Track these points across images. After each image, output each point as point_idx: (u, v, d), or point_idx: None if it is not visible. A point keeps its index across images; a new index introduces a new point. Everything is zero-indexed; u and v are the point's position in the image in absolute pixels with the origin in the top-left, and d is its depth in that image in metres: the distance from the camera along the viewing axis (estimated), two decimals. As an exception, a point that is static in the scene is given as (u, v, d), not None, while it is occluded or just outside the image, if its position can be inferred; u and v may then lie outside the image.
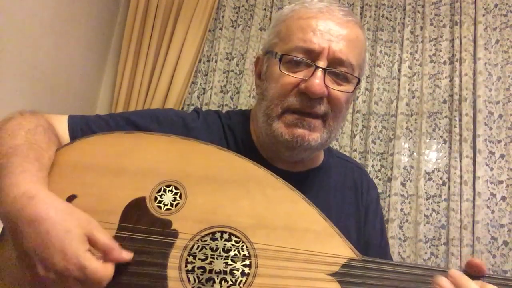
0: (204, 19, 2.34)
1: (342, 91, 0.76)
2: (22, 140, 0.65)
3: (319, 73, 0.73)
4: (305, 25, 0.76)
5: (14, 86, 1.68)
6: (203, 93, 2.38)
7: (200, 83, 2.40)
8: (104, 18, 2.34)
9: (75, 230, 0.56)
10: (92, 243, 0.57)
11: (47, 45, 1.86)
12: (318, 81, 0.72)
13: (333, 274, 0.62)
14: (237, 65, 2.39)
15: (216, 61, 2.38)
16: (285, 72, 0.75)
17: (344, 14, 0.78)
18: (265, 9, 2.45)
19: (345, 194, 0.89)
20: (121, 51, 2.34)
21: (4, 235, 0.64)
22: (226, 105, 2.32)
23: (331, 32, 0.75)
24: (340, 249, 0.64)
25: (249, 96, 2.31)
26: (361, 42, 0.80)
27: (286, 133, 0.75)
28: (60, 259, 0.53)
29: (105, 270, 0.56)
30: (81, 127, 0.77)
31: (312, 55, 0.75)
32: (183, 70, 2.29)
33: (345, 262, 0.63)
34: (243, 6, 2.46)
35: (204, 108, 2.27)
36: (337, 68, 0.75)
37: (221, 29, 2.43)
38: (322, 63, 0.74)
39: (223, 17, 2.44)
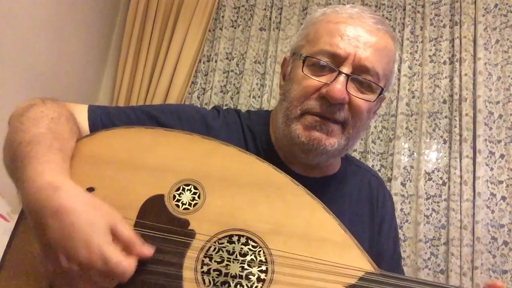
0: (204, 19, 2.34)
1: (364, 100, 0.74)
2: (45, 128, 0.64)
3: (342, 78, 0.72)
4: (334, 29, 0.75)
5: (14, 86, 1.68)
6: (203, 93, 2.38)
7: (200, 83, 2.40)
8: (104, 18, 2.34)
9: (99, 222, 0.55)
10: (115, 236, 0.57)
11: (47, 45, 1.86)
12: (339, 87, 0.71)
13: (349, 286, 0.61)
14: (237, 65, 2.39)
15: (216, 61, 2.38)
16: (308, 74, 0.74)
17: (375, 22, 0.77)
18: (265, 9, 2.44)
19: (360, 203, 0.87)
20: (121, 51, 2.34)
21: (19, 227, 0.64)
22: (226, 105, 2.32)
23: (359, 39, 0.74)
24: (358, 262, 0.63)
25: (249, 96, 2.31)
26: (390, 52, 0.78)
27: (303, 135, 0.74)
28: (84, 251, 0.53)
29: (128, 264, 0.55)
30: (101, 119, 0.77)
31: (337, 60, 0.73)
32: (183, 70, 2.28)
33: (363, 275, 0.62)
34: (243, 6, 2.46)
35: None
36: (361, 76, 0.74)
37: (221, 29, 2.42)
38: (346, 69, 0.72)
39: (223, 17, 2.44)
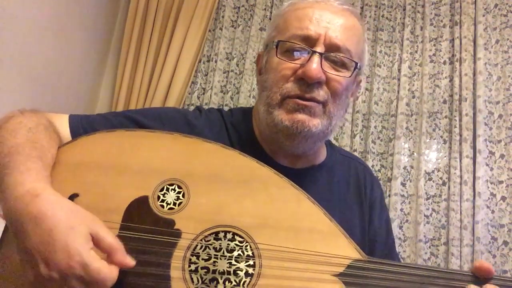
0: (204, 19, 2.34)
1: (341, 76, 0.76)
2: (23, 138, 0.64)
3: (316, 58, 0.74)
4: (302, 14, 0.78)
5: (14, 86, 1.68)
6: (203, 93, 2.38)
7: (200, 83, 2.40)
8: (104, 18, 2.34)
9: (79, 227, 0.55)
10: (96, 242, 0.56)
11: (47, 45, 1.86)
12: (315, 66, 0.73)
13: (338, 275, 0.62)
14: (237, 65, 2.39)
15: (216, 61, 2.37)
16: (283, 59, 0.76)
17: (340, 3, 0.80)
18: (265, 9, 2.44)
19: (348, 192, 0.88)
20: (121, 51, 2.34)
21: (6, 237, 0.63)
22: (226, 105, 2.32)
23: (328, 20, 0.76)
24: (345, 250, 0.64)
25: (249, 96, 2.31)
26: (358, 31, 0.81)
27: (286, 119, 0.75)
28: (63, 257, 0.52)
29: (109, 271, 0.54)
30: (83, 125, 0.77)
31: (309, 41, 0.76)
32: (183, 70, 2.28)
33: (350, 263, 0.63)
34: (243, 6, 2.46)
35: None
36: (334, 54, 0.76)
37: (221, 29, 2.42)
38: (319, 49, 0.75)
39: (223, 17, 2.44)
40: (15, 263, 0.60)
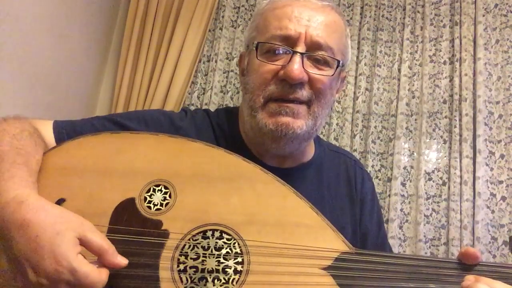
0: (204, 19, 2.34)
1: (323, 75, 0.75)
2: (7, 146, 0.64)
3: (297, 58, 0.72)
4: (281, 13, 0.76)
5: (14, 86, 1.68)
6: (203, 93, 2.38)
7: (200, 83, 2.40)
8: (104, 18, 2.34)
9: (65, 232, 0.54)
10: (86, 245, 0.55)
11: (47, 45, 1.86)
12: (296, 66, 0.72)
13: (326, 268, 0.62)
14: (237, 65, 2.39)
15: (216, 61, 2.38)
16: (264, 60, 0.75)
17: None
18: (265, 9, 2.44)
19: (339, 188, 0.88)
20: (121, 51, 2.34)
21: None
22: (226, 104, 2.32)
23: (307, 18, 0.75)
24: (333, 243, 0.64)
25: (249, 96, 2.31)
26: (340, 27, 0.79)
27: (270, 122, 0.74)
28: (50, 262, 0.52)
29: (98, 275, 0.54)
30: (67, 130, 0.77)
31: (290, 41, 0.74)
32: (183, 70, 2.28)
33: (338, 256, 0.63)
34: (243, 6, 2.46)
35: (204, 108, 2.27)
36: (315, 52, 0.74)
37: (221, 29, 2.43)
38: (300, 48, 0.73)
39: (223, 17, 2.44)
40: (4, 271, 0.59)
